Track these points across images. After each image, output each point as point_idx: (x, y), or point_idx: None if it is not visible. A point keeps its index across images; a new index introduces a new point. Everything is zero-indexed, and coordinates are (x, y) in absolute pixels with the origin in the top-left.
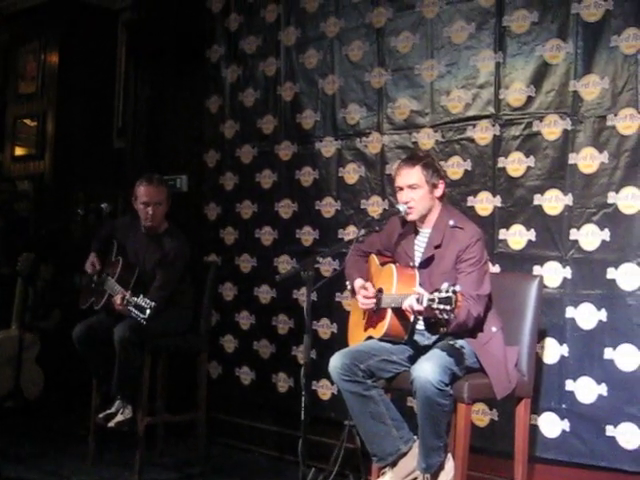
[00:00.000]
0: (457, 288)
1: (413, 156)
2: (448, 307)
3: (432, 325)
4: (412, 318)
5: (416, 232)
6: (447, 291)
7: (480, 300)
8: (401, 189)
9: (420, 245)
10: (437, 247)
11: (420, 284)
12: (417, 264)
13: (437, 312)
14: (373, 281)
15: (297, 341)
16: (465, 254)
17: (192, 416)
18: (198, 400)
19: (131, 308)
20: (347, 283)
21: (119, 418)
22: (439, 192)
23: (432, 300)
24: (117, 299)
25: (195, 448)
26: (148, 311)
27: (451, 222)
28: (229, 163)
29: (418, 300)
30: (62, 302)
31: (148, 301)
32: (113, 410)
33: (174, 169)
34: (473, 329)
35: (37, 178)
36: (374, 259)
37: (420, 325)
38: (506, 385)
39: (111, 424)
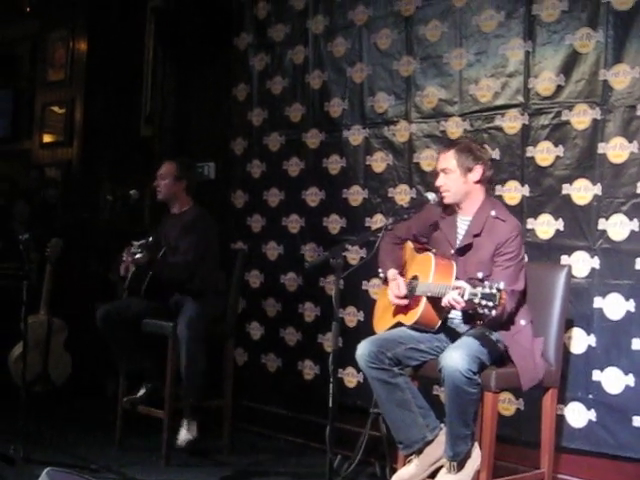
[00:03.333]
0: (501, 286)
1: (452, 141)
2: (491, 304)
3: (469, 317)
4: (445, 309)
5: (457, 219)
6: (491, 287)
7: (514, 296)
8: (437, 173)
9: (460, 232)
10: (476, 236)
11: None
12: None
13: (478, 307)
14: (407, 267)
15: (323, 329)
16: (504, 247)
17: (218, 402)
18: (224, 386)
19: (135, 250)
20: (380, 271)
21: (186, 437)
22: (475, 176)
23: (474, 295)
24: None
25: (220, 434)
26: (142, 241)
27: (493, 212)
28: (256, 151)
29: (459, 294)
30: (93, 291)
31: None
32: (139, 395)
33: (201, 156)
34: (503, 323)
35: (65, 165)
36: (409, 244)
37: (452, 315)
38: (533, 377)
39: (181, 444)
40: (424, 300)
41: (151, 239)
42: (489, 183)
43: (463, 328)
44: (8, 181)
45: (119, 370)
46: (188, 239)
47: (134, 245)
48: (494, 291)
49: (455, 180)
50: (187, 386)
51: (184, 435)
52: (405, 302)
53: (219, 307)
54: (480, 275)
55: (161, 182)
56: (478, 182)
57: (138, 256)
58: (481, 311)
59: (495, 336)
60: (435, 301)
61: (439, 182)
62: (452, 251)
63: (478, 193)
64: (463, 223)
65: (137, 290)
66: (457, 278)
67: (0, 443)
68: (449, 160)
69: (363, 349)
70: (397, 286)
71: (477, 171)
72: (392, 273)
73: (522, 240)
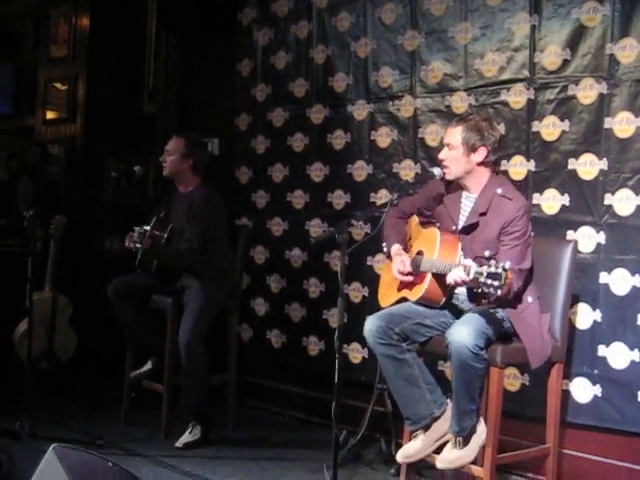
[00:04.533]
0: (507, 265)
1: (463, 116)
2: (496, 283)
3: (474, 295)
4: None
5: (462, 195)
6: (497, 267)
7: (521, 274)
8: (443, 147)
9: (465, 209)
10: (482, 214)
11: (461, 249)
12: (459, 228)
13: (483, 286)
14: (412, 241)
15: (328, 305)
16: (511, 226)
17: (223, 378)
18: (229, 362)
19: (135, 239)
20: (383, 245)
21: (188, 438)
22: (478, 157)
23: (480, 273)
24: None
25: (225, 410)
26: (141, 230)
27: (499, 190)
28: (261, 126)
29: (464, 271)
30: (97, 267)
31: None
32: (144, 369)
33: (205, 133)
34: (510, 301)
35: (68, 142)
36: (414, 218)
37: (457, 291)
38: (542, 354)
39: (179, 444)
40: (429, 276)
41: (147, 228)
42: (494, 165)
43: (467, 305)
44: (17, 157)
45: (127, 345)
46: (193, 225)
47: (135, 231)
48: (500, 270)
49: (457, 157)
50: (186, 393)
51: (185, 437)
52: (410, 279)
53: (226, 287)
54: (487, 253)
55: (167, 158)
56: (481, 164)
57: (138, 245)
58: (486, 290)
59: (500, 314)
60: (440, 277)
61: (442, 155)
62: (453, 227)
63: (482, 172)
64: (469, 200)
65: (148, 269)
66: (463, 256)
67: (6, 419)
68: (455, 136)
69: (371, 325)
70: (402, 262)
71: (481, 153)
72: (396, 248)
73: (529, 218)
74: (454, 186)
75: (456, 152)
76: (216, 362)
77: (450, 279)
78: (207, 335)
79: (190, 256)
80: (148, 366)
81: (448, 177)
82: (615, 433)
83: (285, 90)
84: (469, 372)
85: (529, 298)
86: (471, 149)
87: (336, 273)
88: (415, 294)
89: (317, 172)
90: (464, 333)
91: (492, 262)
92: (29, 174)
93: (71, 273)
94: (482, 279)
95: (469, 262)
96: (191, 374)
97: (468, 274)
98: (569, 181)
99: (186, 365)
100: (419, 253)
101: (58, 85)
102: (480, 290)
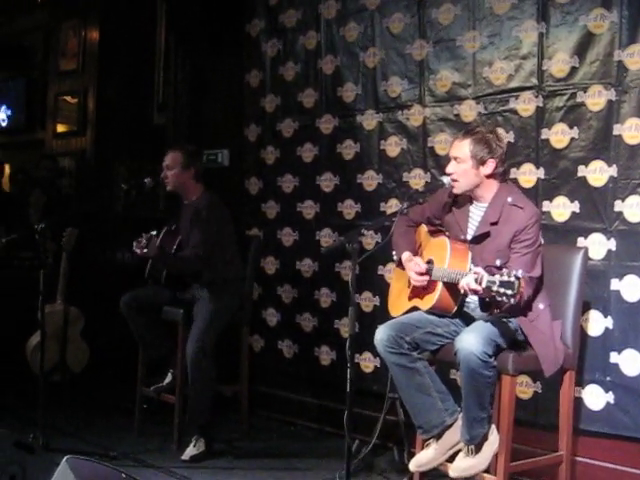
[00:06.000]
0: (519, 274)
1: (469, 129)
2: (509, 292)
3: (486, 304)
4: (462, 292)
5: (471, 204)
6: (509, 275)
7: (531, 282)
8: (450, 160)
9: (474, 219)
10: (493, 224)
11: (471, 258)
12: (470, 238)
13: (496, 295)
14: (421, 250)
15: (339, 314)
16: (522, 235)
17: (234, 389)
18: (240, 373)
19: (143, 244)
20: (394, 253)
21: (193, 451)
22: (487, 170)
23: (492, 282)
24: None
25: (237, 420)
26: (148, 235)
27: (509, 199)
28: (270, 137)
29: (476, 280)
30: (109, 279)
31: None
32: (165, 382)
33: (215, 144)
34: (521, 309)
35: (78, 154)
36: (423, 227)
37: (468, 299)
38: (555, 362)
39: (185, 457)
40: (440, 285)
41: (155, 233)
42: (502, 176)
43: (479, 313)
44: (22, 171)
45: (140, 356)
46: (197, 232)
47: (143, 237)
48: (512, 279)
49: (466, 171)
50: (192, 405)
51: (190, 450)
52: (426, 278)
53: (237, 296)
54: (498, 263)
55: (168, 172)
56: (490, 176)
57: (145, 250)
58: (499, 299)
59: (512, 323)
60: (451, 286)
61: (450, 169)
62: (463, 237)
63: (491, 183)
64: (478, 210)
65: (158, 279)
66: (474, 265)
67: (20, 432)
68: (462, 149)
69: (382, 334)
70: (416, 264)
71: (489, 166)
72: (407, 255)
73: (540, 226)
74: (463, 195)
75: (465, 165)
76: (228, 372)
77: (463, 283)
78: (218, 346)
79: (196, 262)
80: (169, 379)
81: (456, 191)
82: (628, 440)
83: (294, 100)
84: (478, 380)
85: (540, 305)
86: (480, 162)
87: (347, 283)
88: (426, 303)
89: (327, 182)
90: (472, 341)
91: (504, 271)
92: (40, 187)
93: (83, 285)
94: (495, 288)
95: (480, 270)
96: (195, 386)
97: (480, 283)
98: (579, 188)
99: (191, 377)
100: (429, 262)
101: (68, 98)
102: (493, 299)
